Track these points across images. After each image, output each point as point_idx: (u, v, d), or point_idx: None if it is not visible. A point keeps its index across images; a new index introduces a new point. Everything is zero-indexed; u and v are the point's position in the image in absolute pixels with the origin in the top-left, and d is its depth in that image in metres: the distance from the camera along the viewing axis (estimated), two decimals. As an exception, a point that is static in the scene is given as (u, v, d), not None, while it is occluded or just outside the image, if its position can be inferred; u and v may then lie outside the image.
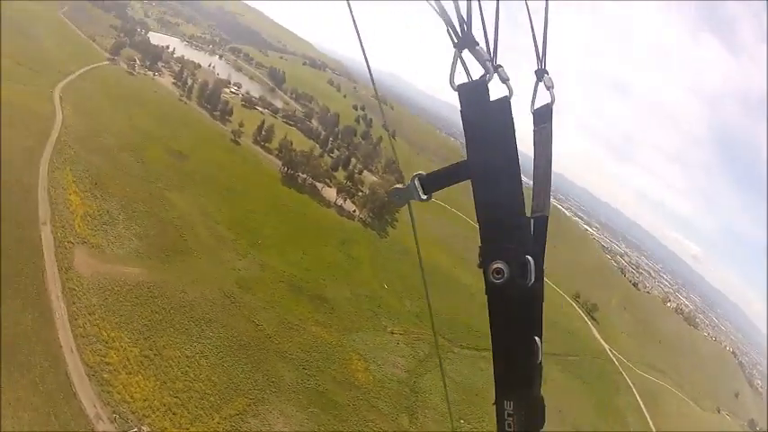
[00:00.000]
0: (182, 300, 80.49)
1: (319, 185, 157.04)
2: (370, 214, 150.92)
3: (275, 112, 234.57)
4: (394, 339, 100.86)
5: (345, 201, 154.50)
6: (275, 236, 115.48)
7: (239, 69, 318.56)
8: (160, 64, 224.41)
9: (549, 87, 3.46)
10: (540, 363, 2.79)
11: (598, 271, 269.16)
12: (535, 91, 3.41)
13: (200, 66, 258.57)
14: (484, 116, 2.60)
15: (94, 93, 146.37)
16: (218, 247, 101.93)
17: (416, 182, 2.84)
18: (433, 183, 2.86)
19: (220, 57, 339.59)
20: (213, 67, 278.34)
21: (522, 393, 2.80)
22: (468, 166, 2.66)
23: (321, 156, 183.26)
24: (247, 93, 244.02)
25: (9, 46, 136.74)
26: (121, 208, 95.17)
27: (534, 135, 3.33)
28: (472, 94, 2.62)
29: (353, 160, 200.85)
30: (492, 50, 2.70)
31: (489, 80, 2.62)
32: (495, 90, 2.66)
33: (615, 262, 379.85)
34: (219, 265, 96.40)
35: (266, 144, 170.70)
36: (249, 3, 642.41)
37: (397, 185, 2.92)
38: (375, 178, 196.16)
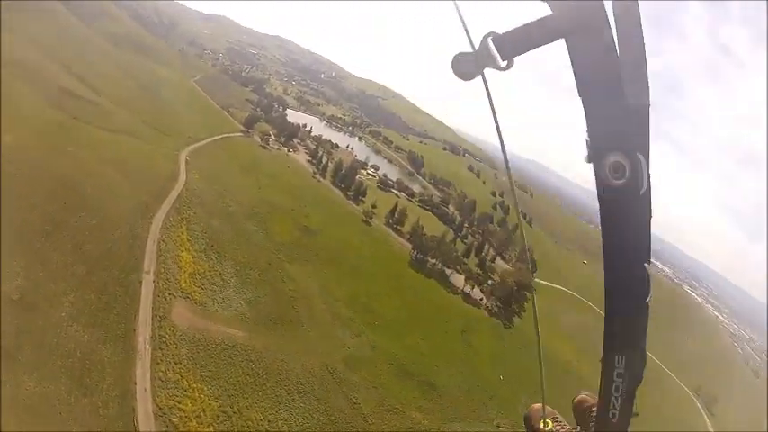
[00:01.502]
0: (279, 368, 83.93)
1: (448, 271, 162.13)
2: (498, 303, 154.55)
3: (411, 195, 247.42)
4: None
5: (473, 288, 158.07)
6: (394, 318, 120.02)
7: (378, 152, 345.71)
8: (296, 140, 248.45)
9: None
10: (649, 303, 2.60)
11: (724, 361, 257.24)
12: None
13: (337, 146, 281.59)
14: None
15: (223, 160, 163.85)
16: (331, 323, 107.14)
17: (490, 43, 2.46)
18: (513, 44, 2.47)
19: (360, 138, 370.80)
20: (351, 148, 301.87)
21: (636, 344, 2.67)
22: (557, 21, 2.37)
23: (453, 241, 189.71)
24: (384, 175, 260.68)
25: (139, 105, 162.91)
26: (235, 272, 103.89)
27: (614, 10, 2.46)
28: None
29: (487, 247, 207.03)
30: None
31: None
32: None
33: (741, 349, 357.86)
34: (329, 340, 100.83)
35: (398, 227, 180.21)
36: (391, 87, 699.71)
37: (462, 51, 2.56)
38: (507, 266, 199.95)
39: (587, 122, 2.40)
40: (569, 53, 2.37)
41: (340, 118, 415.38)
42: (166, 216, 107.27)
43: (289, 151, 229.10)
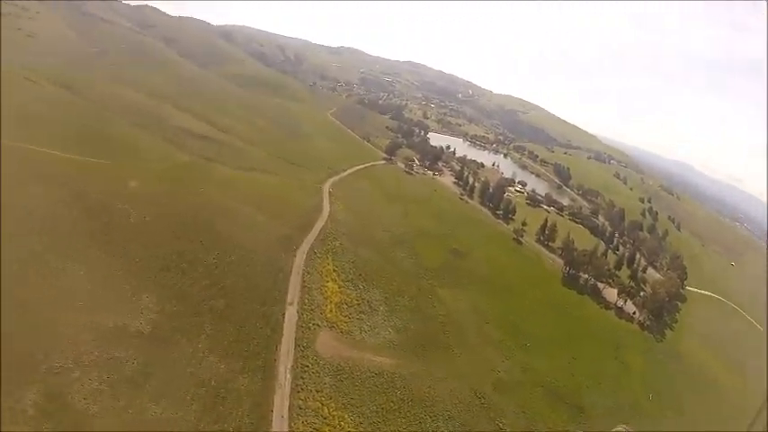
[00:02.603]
0: (425, 394, 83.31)
1: (601, 285, 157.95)
2: (650, 315, 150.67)
3: (560, 209, 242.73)
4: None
5: (626, 302, 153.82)
6: (546, 338, 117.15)
7: (524, 167, 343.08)
8: (440, 163, 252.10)
9: None
10: None
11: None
12: None
13: (482, 165, 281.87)
14: None
15: (368, 189, 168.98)
16: (482, 347, 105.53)
17: None
18: None
19: (505, 155, 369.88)
20: (497, 166, 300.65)
21: None
22: None
23: (605, 254, 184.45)
24: (532, 191, 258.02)
25: (274, 142, 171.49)
26: (384, 300, 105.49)
27: None
28: None
29: (638, 257, 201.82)
30: None
31: None
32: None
33: None
34: (479, 364, 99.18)
35: (549, 243, 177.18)
36: (529, 99, 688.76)
37: None
38: (659, 275, 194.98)
39: None
40: None
41: (483, 136, 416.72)
42: (311, 248, 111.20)
43: (434, 174, 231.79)
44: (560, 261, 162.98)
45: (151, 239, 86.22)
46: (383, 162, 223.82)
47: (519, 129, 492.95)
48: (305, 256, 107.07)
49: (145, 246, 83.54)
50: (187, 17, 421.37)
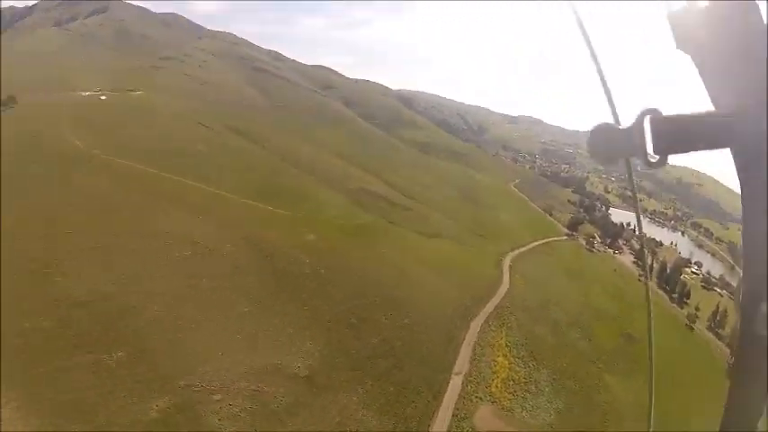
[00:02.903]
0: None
1: None
2: None
3: (732, 293, 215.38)
4: None
5: None
6: None
7: (700, 246, 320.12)
8: (620, 241, 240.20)
9: None
10: None
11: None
12: None
13: (661, 243, 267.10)
14: (743, 37, 1.99)
15: (548, 265, 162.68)
16: None
17: (647, 122, 2.01)
18: (675, 135, 2.03)
19: (682, 233, 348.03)
20: (675, 245, 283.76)
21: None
22: (729, 125, 1.99)
23: None
24: (708, 272, 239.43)
25: (457, 210, 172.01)
26: (551, 381, 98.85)
27: None
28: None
29: None
30: None
31: None
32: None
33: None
34: None
35: (719, 330, 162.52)
36: (703, 171, 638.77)
37: (609, 123, 2.21)
38: None
39: (746, 264, 2.23)
40: (738, 169, 2.10)
41: (662, 212, 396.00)
42: (486, 320, 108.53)
43: (615, 253, 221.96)
44: (727, 351, 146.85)
45: (323, 290, 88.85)
46: (565, 238, 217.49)
47: (695, 203, 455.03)
48: (479, 327, 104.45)
49: (316, 295, 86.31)
50: (365, 80, 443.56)
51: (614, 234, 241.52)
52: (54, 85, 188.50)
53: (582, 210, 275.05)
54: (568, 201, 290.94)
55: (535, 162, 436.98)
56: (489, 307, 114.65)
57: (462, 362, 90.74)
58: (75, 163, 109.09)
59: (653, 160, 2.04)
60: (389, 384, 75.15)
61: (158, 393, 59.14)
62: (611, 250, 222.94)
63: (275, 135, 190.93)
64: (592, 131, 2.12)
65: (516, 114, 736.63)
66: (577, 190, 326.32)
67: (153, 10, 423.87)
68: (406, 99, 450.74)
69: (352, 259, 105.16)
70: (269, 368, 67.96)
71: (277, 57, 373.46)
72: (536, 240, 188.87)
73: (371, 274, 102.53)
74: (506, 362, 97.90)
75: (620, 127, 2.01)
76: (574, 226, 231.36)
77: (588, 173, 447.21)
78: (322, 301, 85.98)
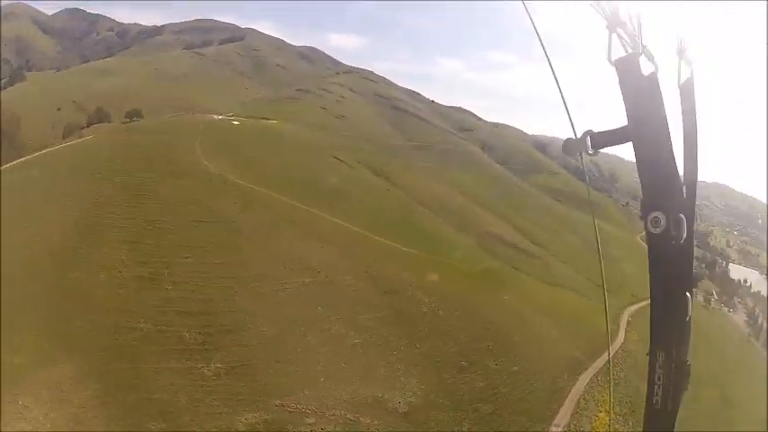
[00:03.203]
0: None
1: None
2: None
3: None
4: None
5: None
6: None
7: None
8: (736, 299, 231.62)
9: (692, 64, 4.15)
10: (689, 320, 3.61)
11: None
12: (678, 68, 4.11)
13: None
14: (638, 86, 3.38)
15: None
16: None
17: (588, 138, 3.64)
18: (600, 140, 3.64)
19: None
20: None
21: (673, 346, 3.59)
22: (629, 130, 3.46)
23: None
24: None
25: (583, 261, 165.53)
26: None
27: (682, 108, 4.11)
28: (627, 66, 3.41)
29: None
30: (639, 32, 3.50)
31: (639, 56, 3.42)
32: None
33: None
34: None
35: None
36: None
37: (570, 137, 3.71)
38: None
39: (643, 192, 3.49)
40: (634, 151, 3.46)
41: None
42: (595, 375, 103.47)
43: (729, 311, 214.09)
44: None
45: (439, 331, 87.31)
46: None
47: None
48: (587, 381, 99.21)
49: (431, 336, 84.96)
50: (503, 124, 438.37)
51: (731, 291, 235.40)
52: (185, 105, 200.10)
53: (703, 264, 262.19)
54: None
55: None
56: (600, 362, 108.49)
57: (563, 415, 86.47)
58: (204, 181, 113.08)
59: (592, 152, 3.56)
60: (487, 430, 72.73)
61: (250, 408, 59.87)
62: (726, 308, 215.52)
63: (409, 173, 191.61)
64: (564, 143, 3.73)
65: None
66: (700, 244, 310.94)
67: (291, 42, 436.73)
68: (542, 144, 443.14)
69: (472, 303, 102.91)
70: (369, 400, 67.10)
71: (415, 96, 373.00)
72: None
73: (489, 318, 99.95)
74: (607, 418, 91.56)
75: (576, 137, 3.58)
76: (694, 282, 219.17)
77: (713, 227, 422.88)
78: (435, 342, 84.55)
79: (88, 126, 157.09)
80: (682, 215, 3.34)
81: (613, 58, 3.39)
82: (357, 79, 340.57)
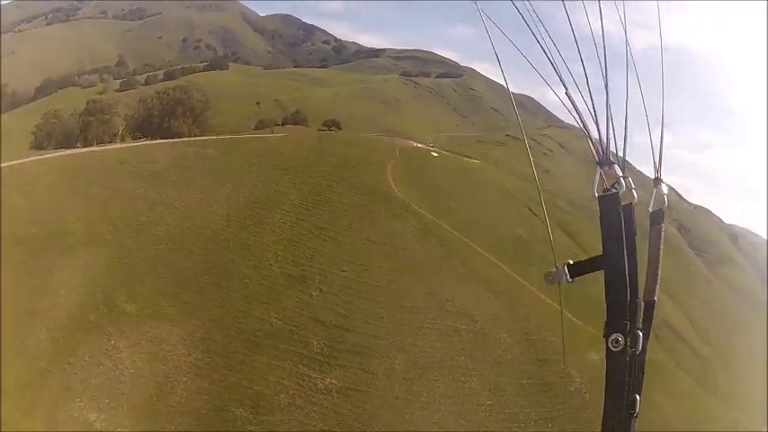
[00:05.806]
0: None
1: None
2: None
3: None
4: None
5: None
6: None
7: None
8: None
9: (664, 194, 4.50)
10: (636, 415, 3.89)
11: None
12: (652, 196, 4.45)
13: None
14: (616, 221, 3.78)
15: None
16: None
17: (565, 268, 4.02)
18: (576, 270, 4.03)
19: None
20: None
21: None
22: (603, 259, 3.81)
23: None
24: None
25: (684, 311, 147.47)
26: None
27: (650, 233, 4.42)
28: (608, 204, 3.84)
29: None
30: (622, 166, 3.99)
31: (620, 191, 3.83)
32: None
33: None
34: None
35: None
36: None
37: (552, 270, 4.07)
38: None
39: (607, 315, 3.71)
40: (605, 277, 3.72)
41: None
42: None
43: None
44: None
45: (577, 413, 78.73)
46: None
47: None
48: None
49: (567, 416, 77.42)
50: (704, 208, 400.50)
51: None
52: (388, 127, 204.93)
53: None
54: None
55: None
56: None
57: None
58: (385, 203, 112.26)
59: (570, 280, 3.98)
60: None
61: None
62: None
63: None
64: (545, 274, 4.14)
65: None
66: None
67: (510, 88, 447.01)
68: (734, 235, 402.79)
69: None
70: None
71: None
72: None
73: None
74: None
75: (555, 270, 4.04)
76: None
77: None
78: (569, 423, 76.64)
79: (282, 125, 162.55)
80: (639, 331, 3.67)
81: (597, 193, 3.86)
82: (568, 136, 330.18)
